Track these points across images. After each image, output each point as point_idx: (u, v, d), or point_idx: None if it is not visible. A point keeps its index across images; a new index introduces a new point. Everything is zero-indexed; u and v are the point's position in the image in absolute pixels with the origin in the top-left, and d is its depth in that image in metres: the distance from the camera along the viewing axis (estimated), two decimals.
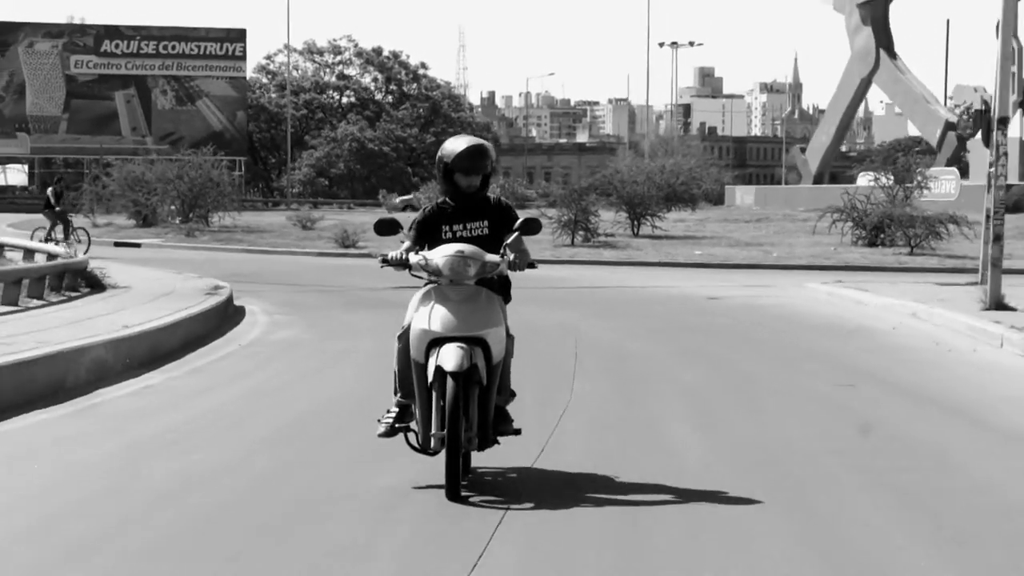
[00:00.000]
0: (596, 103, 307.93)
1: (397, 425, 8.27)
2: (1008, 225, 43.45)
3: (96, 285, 23.19)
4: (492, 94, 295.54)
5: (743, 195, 77.44)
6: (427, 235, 8.43)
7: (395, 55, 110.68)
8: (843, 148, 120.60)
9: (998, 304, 19.43)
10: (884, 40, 68.77)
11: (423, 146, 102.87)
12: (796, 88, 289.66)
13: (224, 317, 19.58)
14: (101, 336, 14.31)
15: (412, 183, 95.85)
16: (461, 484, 7.94)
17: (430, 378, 7.95)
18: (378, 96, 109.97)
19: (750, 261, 34.85)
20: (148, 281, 24.17)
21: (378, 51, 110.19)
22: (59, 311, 18.30)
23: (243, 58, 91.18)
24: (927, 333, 17.78)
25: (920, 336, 17.47)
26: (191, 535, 7.08)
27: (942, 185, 55.59)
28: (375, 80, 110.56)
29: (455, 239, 8.37)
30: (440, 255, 8.15)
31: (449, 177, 8.39)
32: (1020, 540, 7.19)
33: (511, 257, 8.27)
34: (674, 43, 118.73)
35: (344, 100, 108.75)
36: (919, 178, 46.89)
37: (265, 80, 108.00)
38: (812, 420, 10.80)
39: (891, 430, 10.37)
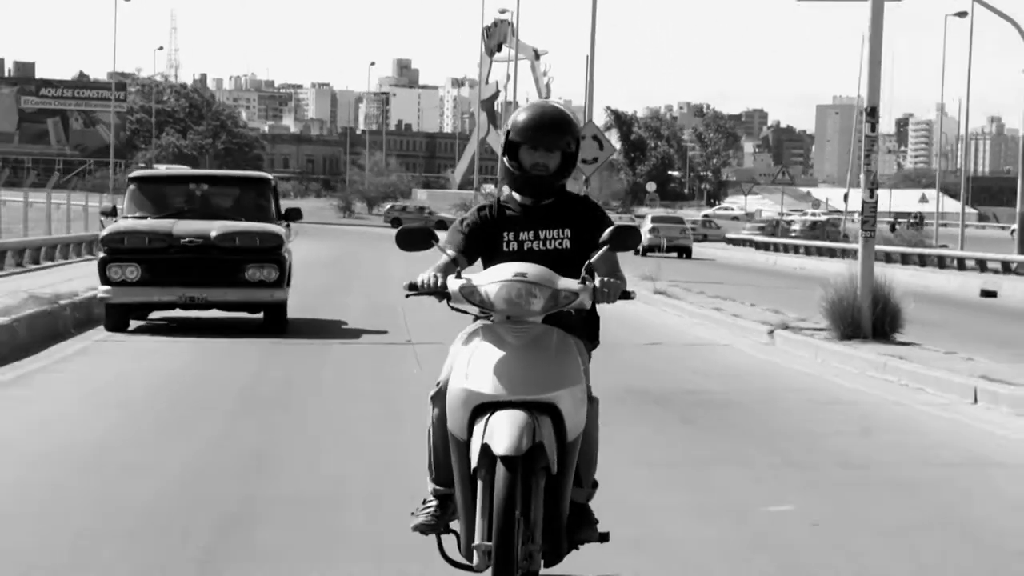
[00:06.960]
0: (300, 86, 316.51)
1: (435, 523, 5.63)
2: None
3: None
4: (204, 76, 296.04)
5: (420, 195, 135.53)
6: (479, 247, 5.67)
7: (194, 88, 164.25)
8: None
9: None
10: (492, 119, 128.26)
11: (215, 150, 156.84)
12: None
13: None
14: None
15: None
16: None
17: (474, 462, 5.21)
18: (182, 116, 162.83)
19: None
20: None
21: (184, 85, 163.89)
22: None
23: (124, 100, 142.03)
24: None
25: None
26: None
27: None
28: (183, 105, 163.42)
29: (522, 253, 5.60)
30: (493, 279, 5.37)
31: (514, 154, 5.62)
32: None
33: (597, 283, 5.38)
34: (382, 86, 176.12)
35: (156, 120, 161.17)
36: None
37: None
38: None
39: None
